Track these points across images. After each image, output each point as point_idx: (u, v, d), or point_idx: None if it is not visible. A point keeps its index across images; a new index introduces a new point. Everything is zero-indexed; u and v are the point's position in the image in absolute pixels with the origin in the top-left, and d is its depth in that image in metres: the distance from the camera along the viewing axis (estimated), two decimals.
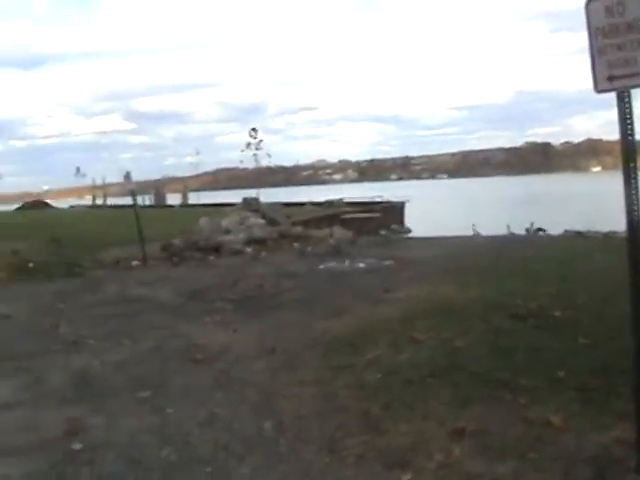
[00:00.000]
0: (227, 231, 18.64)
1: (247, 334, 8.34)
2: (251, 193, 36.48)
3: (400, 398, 5.41)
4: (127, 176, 38.33)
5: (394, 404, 5.30)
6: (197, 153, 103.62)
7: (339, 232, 20.18)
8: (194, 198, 68.56)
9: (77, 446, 5.04)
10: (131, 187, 31.46)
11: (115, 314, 10.27)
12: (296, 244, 18.00)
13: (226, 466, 4.56)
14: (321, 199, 40.25)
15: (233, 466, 4.54)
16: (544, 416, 4.82)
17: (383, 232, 20.82)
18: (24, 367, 7.36)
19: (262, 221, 19.46)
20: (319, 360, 6.75)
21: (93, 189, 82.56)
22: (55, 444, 5.14)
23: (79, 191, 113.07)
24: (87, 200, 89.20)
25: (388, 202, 38.72)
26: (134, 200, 19.96)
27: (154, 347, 7.99)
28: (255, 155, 70.10)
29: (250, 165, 73.93)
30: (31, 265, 16.08)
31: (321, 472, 4.33)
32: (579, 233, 16.94)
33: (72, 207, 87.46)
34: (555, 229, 18.90)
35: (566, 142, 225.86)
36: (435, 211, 46.32)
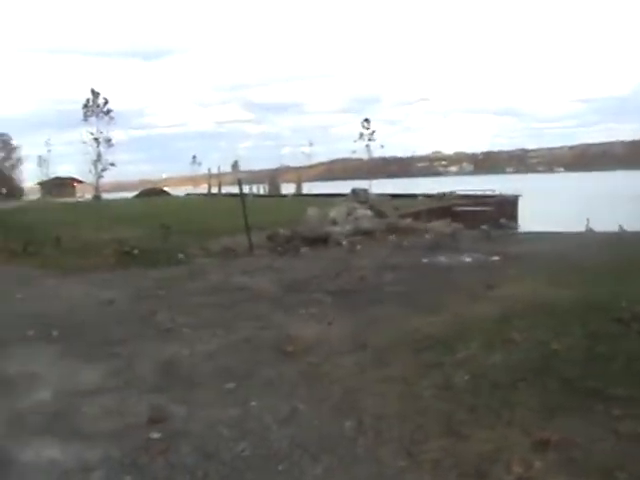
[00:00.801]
0: (334, 222, 18.63)
1: (341, 328, 8.25)
2: (364, 184, 36.50)
3: (486, 402, 5.15)
4: (235, 165, 39.28)
5: (479, 408, 5.06)
6: (310, 144, 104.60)
7: (449, 225, 19.79)
8: (307, 188, 69.31)
9: (156, 435, 5.07)
10: (240, 176, 32.01)
11: (213, 303, 10.42)
12: (392, 237, 17.81)
13: (299, 465, 4.45)
14: (435, 191, 39.73)
15: (306, 465, 4.43)
16: (638, 431, 4.47)
17: (493, 226, 20.27)
18: (117, 353, 7.53)
19: (370, 213, 19.33)
20: (409, 357, 6.56)
21: (209, 178, 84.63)
22: (135, 432, 5.19)
23: (195, 179, 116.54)
24: (203, 188, 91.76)
25: (501, 196, 37.84)
26: (241, 189, 20.24)
27: (246, 338, 8.00)
28: (368, 146, 70.16)
29: (364, 156, 73.93)
30: (136, 252, 16.62)
31: (394, 477, 4.16)
32: None
33: (188, 195, 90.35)
34: None
35: None
36: (549, 205, 44.82)
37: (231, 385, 6.20)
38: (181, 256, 16.21)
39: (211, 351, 7.49)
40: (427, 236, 17.83)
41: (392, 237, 17.99)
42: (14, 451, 4.95)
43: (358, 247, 16.68)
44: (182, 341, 8.00)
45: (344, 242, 17.23)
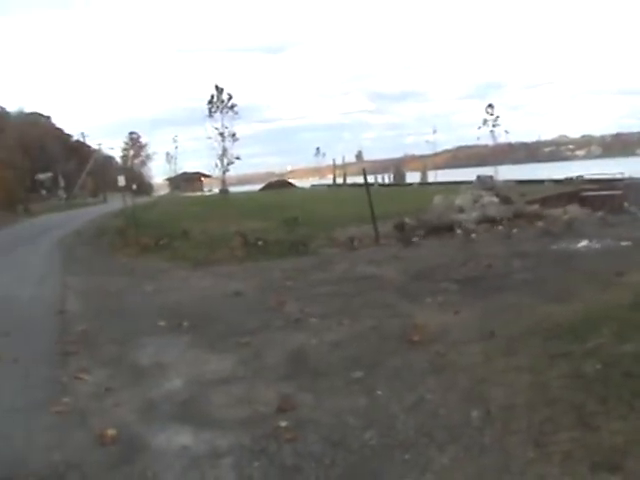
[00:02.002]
0: (460, 210, 18.42)
1: (468, 316, 8.19)
2: (490, 171, 35.81)
3: (618, 393, 4.98)
4: (359, 155, 39.47)
5: (611, 399, 4.89)
6: (434, 132, 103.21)
7: (577, 211, 19.14)
8: (432, 176, 68.69)
9: (284, 423, 5.21)
10: (364, 166, 32.10)
11: (340, 292, 10.58)
12: (519, 223, 17.40)
13: (426, 454, 4.48)
14: (561, 176, 38.47)
15: (433, 455, 4.45)
16: None
17: (617, 211, 19.37)
18: (246, 343, 7.78)
19: (496, 199, 18.96)
20: (537, 347, 6.43)
21: (333, 168, 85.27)
22: (264, 420, 5.36)
23: (320, 171, 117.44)
24: (328, 179, 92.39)
25: (630, 179, 36.06)
26: (365, 179, 20.33)
27: (373, 327, 8.08)
28: (492, 132, 68.61)
29: (489, 142, 72.40)
30: (260, 243, 17.06)
31: (522, 468, 4.11)
32: None
33: (313, 186, 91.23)
34: None
35: None
36: None
37: (358, 374, 6.28)
38: (310, 247, 16.51)
39: (338, 340, 7.62)
40: (555, 222, 17.30)
41: (519, 223, 17.59)
42: (147, 437, 5.23)
43: (484, 234, 16.42)
44: (310, 331, 8.18)
45: (470, 229, 17.01)
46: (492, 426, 4.77)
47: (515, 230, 16.67)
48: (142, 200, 56.99)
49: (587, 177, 37.32)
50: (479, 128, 69.21)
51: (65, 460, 4.90)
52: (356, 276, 12.17)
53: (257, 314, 9.41)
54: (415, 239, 16.42)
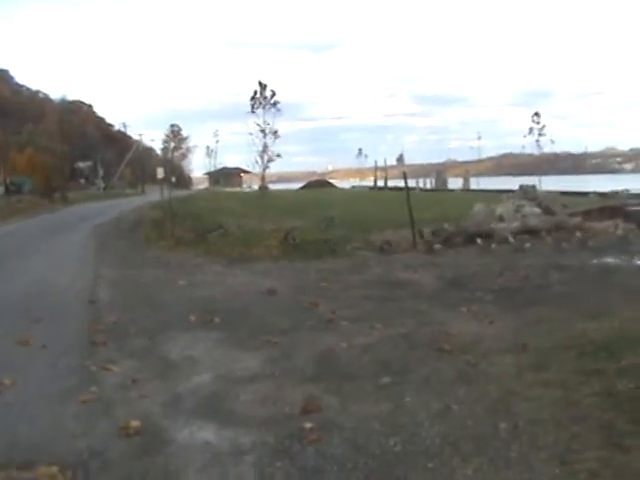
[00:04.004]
0: (500, 219, 18.28)
1: (502, 327, 8.17)
2: (533, 180, 35.40)
3: None
4: (401, 158, 39.40)
5: None
6: (479, 138, 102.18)
7: (619, 225, 18.87)
8: (475, 183, 68.16)
9: (308, 425, 5.25)
10: (405, 170, 32.02)
11: (374, 296, 10.60)
12: (560, 235, 17.22)
13: (450, 464, 4.48)
14: (607, 189, 37.93)
15: (457, 465, 4.46)
16: None
17: None
18: (276, 342, 7.84)
19: (538, 210, 18.79)
20: (570, 362, 6.38)
21: (375, 170, 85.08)
22: (289, 420, 5.41)
23: (361, 172, 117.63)
24: (369, 181, 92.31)
25: None
26: (406, 183, 20.27)
27: (404, 333, 8.09)
28: (538, 141, 67.86)
29: (534, 151, 71.56)
30: (296, 242, 17.11)
31: None
32: None
33: (353, 187, 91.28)
34: None
35: None
36: None
37: (386, 380, 6.31)
38: (346, 249, 16.54)
39: (368, 344, 7.64)
40: (596, 236, 17.11)
41: (560, 235, 17.42)
42: (171, 431, 5.31)
43: (524, 245, 16.30)
44: (341, 333, 8.23)
45: (510, 239, 16.90)
46: (519, 440, 4.75)
47: (555, 242, 16.52)
48: (180, 193, 57.47)
49: (634, 191, 36.76)
50: (525, 136, 68.61)
51: (89, 448, 5.01)
52: (391, 281, 12.19)
53: (289, 314, 9.48)
54: (453, 246, 16.35)
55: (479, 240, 16.92)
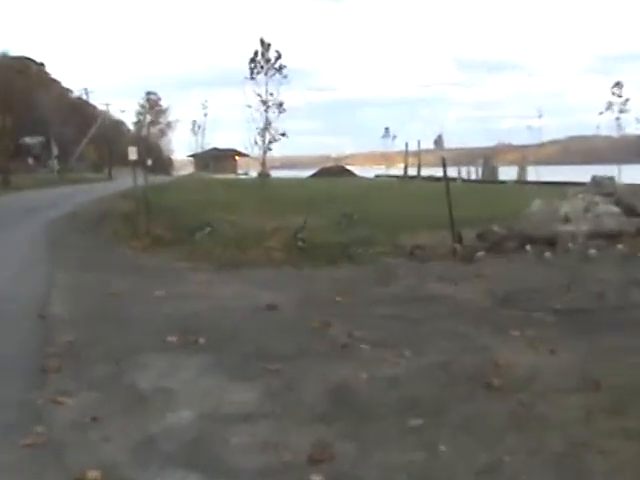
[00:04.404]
0: (566, 219, 18.20)
1: (567, 358, 8.12)
2: (611, 170, 35.23)
3: None
4: (439, 141, 39.26)
5: None
6: (540, 116, 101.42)
7: None
8: (533, 173, 67.72)
9: (317, 478, 5.22)
10: (445, 155, 31.94)
11: (402, 315, 10.58)
12: None
13: None
14: None
15: None
16: None
17: None
18: (277, 370, 7.81)
19: (616, 209, 18.68)
20: None
21: (405, 156, 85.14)
22: (292, 471, 5.36)
23: (388, 157, 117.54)
24: (397, 169, 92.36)
25: None
26: (445, 172, 20.20)
27: (441, 362, 8.05)
28: (618, 119, 66.78)
29: (612, 133, 70.42)
30: (304, 244, 17.11)
31: None
32: None
33: (377, 177, 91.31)
34: None
35: None
36: None
37: (417, 422, 6.26)
38: (367, 253, 16.52)
39: (395, 376, 7.61)
40: None
41: None
42: None
43: (597, 253, 16.20)
44: (360, 361, 8.19)
45: (578, 246, 16.81)
46: None
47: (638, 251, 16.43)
48: (158, 180, 57.67)
49: None
50: (600, 114, 67.34)
51: None
52: (424, 295, 12.19)
53: (294, 335, 9.47)
54: (482, 254, 16.34)
55: (532, 246, 16.85)
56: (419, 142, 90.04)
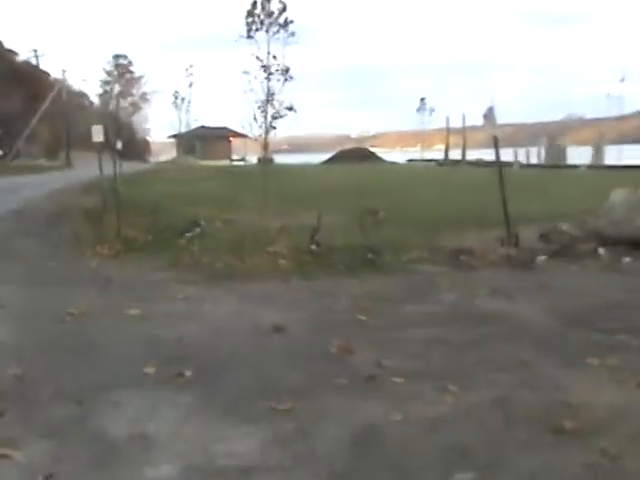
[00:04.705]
0: None
1: None
2: None
3: None
4: (489, 115, 39.14)
5: None
6: (621, 80, 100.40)
7: None
8: (613, 155, 67.61)
9: None
10: (497, 132, 31.86)
11: (444, 339, 10.59)
12: None
13: None
14: None
15: None
16: None
17: None
18: (285, 410, 7.76)
19: None
20: None
21: (446, 134, 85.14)
22: None
23: (424, 137, 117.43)
24: (436, 152, 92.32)
25: None
26: (498, 154, 20.13)
27: (495, 400, 8.02)
28: None
29: None
30: (314, 248, 17.10)
31: None
32: None
33: (410, 162, 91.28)
34: None
35: None
36: None
37: (466, 477, 6.24)
38: (396, 260, 16.52)
39: (436, 417, 7.58)
40: None
41: None
42: None
43: None
44: (390, 398, 8.14)
45: None
46: None
47: None
48: (132, 167, 57.74)
49: None
50: None
51: None
52: (472, 313, 12.20)
53: (306, 364, 9.45)
54: (543, 259, 16.32)
55: (608, 249, 16.82)
56: (464, 117, 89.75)
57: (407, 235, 18.90)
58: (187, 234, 20.20)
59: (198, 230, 20.66)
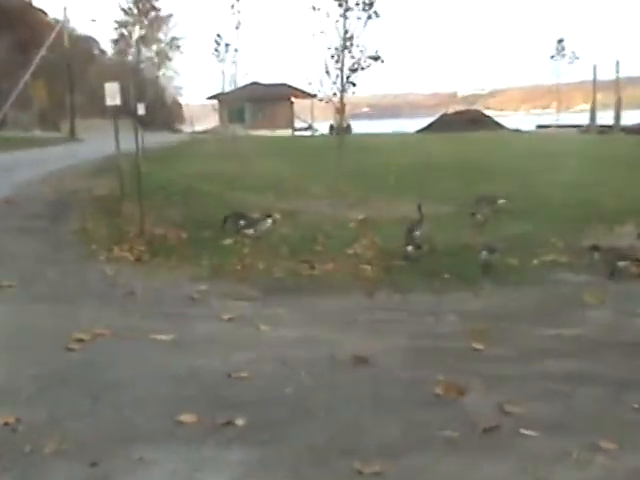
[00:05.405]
0: None
1: None
2: None
3: None
4: None
5: None
6: None
7: None
8: None
9: None
10: None
11: (594, 375, 10.55)
12: None
13: None
14: None
15: None
16: None
17: None
18: (373, 474, 7.67)
19: None
20: None
21: (593, 90, 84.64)
22: None
23: (561, 95, 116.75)
24: (576, 114, 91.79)
25: None
26: None
27: None
28: None
29: None
30: (412, 251, 17.09)
31: None
32: None
33: (540, 128, 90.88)
34: None
35: None
36: None
37: None
38: (524, 264, 16.52)
39: None
40: None
41: None
42: None
43: None
44: (519, 459, 8.07)
45: None
46: None
47: None
48: (159, 140, 58.07)
49: None
50: None
51: None
52: (631, 340, 12.09)
53: (401, 410, 9.40)
54: None
55: None
56: (618, 64, 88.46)
57: (538, 231, 18.87)
58: (233, 230, 20.14)
59: (269, 223, 20.58)
